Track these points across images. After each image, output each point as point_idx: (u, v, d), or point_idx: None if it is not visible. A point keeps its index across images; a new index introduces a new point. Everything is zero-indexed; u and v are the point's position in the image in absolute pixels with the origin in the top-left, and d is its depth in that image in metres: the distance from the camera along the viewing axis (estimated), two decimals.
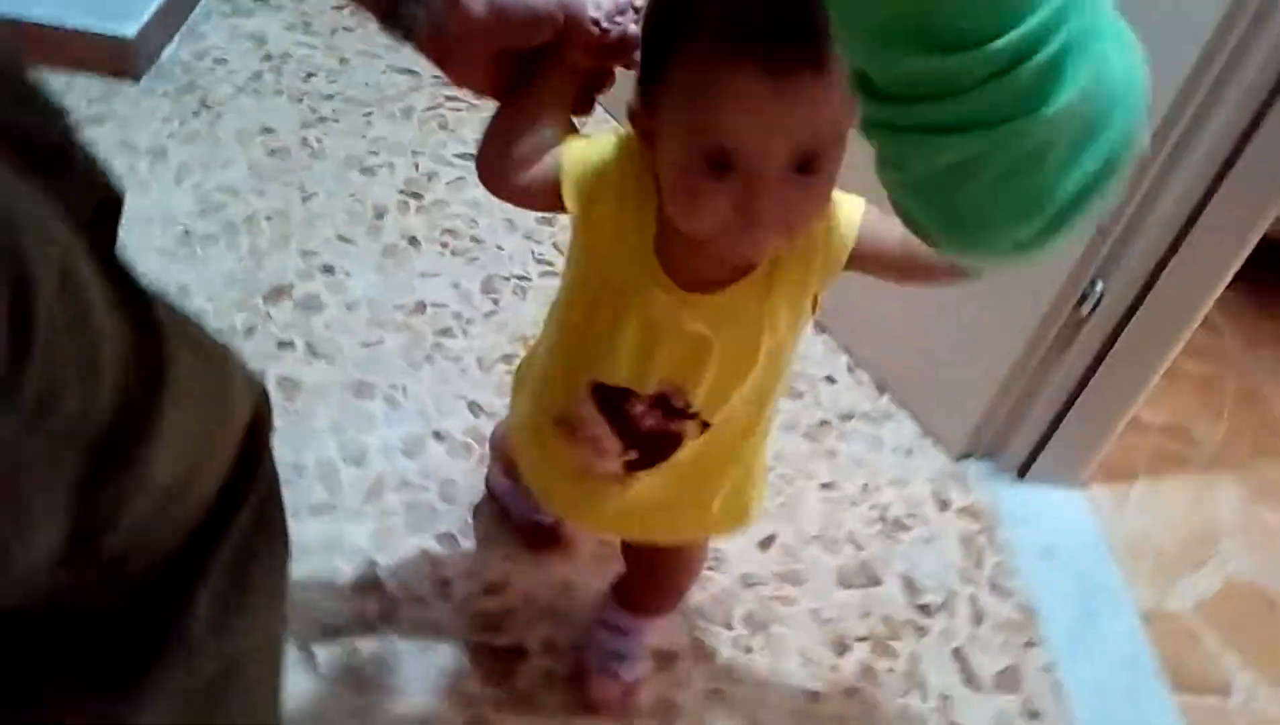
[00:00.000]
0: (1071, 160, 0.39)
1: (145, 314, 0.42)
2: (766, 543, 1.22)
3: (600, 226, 0.68)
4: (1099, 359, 1.28)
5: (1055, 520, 1.35)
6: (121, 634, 0.48)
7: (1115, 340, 1.26)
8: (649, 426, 0.74)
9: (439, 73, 0.66)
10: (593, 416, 0.75)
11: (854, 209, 0.70)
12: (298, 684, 0.97)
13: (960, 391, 1.38)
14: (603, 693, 1.01)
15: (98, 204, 0.62)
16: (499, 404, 1.28)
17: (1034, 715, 1.11)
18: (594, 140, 0.69)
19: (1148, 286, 1.20)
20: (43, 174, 0.57)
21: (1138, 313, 1.22)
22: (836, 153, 0.60)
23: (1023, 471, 1.39)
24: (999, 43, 0.35)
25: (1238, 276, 1.21)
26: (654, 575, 0.98)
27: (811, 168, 0.59)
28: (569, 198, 0.67)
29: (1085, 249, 1.17)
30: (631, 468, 0.77)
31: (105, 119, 1.56)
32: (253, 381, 0.55)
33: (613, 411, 0.74)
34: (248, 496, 0.54)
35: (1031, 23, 0.36)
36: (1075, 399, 1.33)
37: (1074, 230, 0.42)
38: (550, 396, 0.79)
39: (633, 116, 0.65)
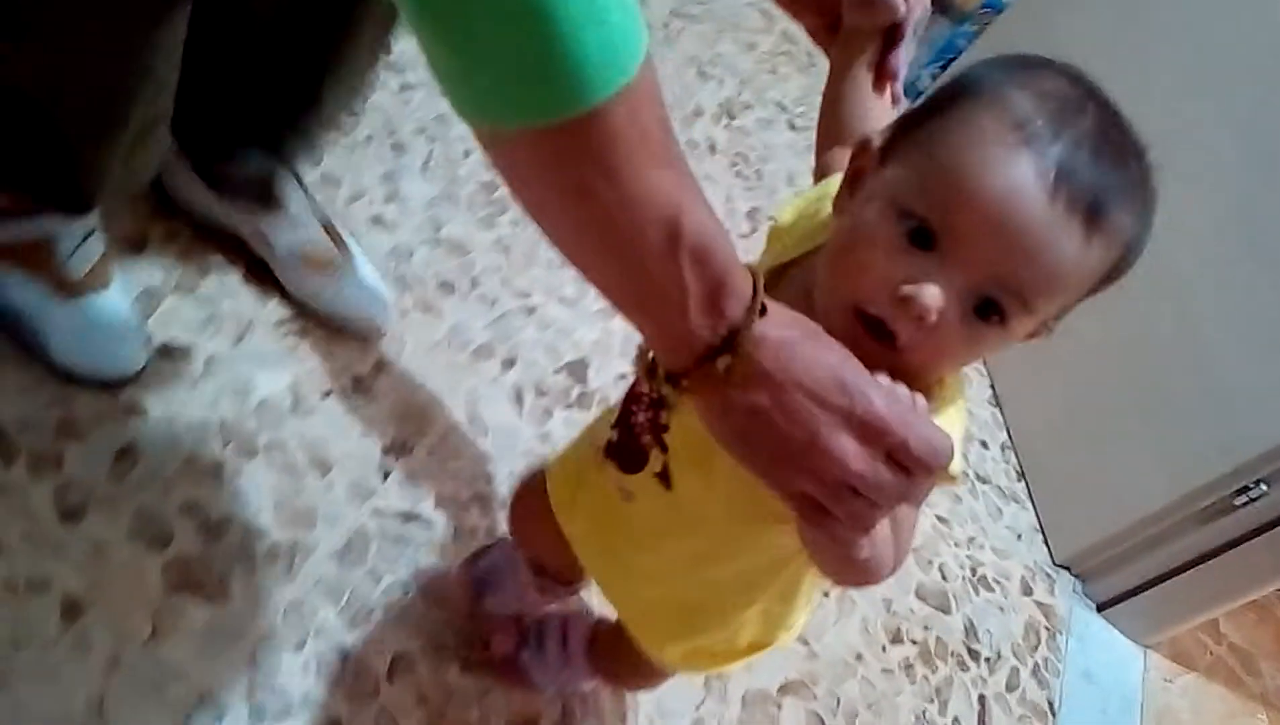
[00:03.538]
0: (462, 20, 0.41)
1: None
2: None
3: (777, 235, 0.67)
4: (1225, 549, 1.39)
5: (1109, 658, 1.47)
6: None
7: (1248, 541, 1.36)
8: (636, 422, 0.69)
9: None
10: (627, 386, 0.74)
11: None
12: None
13: (1090, 512, 1.50)
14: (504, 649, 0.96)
15: None
16: None
17: None
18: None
19: None
20: None
21: None
22: (1021, 326, 0.52)
23: (1103, 607, 1.51)
24: None
25: None
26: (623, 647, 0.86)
27: (993, 312, 0.50)
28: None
29: (1268, 449, 1.29)
30: (607, 452, 0.73)
31: None
32: None
33: (633, 387, 0.72)
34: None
35: None
36: (1183, 572, 1.44)
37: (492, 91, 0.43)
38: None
39: (860, 149, 0.56)
